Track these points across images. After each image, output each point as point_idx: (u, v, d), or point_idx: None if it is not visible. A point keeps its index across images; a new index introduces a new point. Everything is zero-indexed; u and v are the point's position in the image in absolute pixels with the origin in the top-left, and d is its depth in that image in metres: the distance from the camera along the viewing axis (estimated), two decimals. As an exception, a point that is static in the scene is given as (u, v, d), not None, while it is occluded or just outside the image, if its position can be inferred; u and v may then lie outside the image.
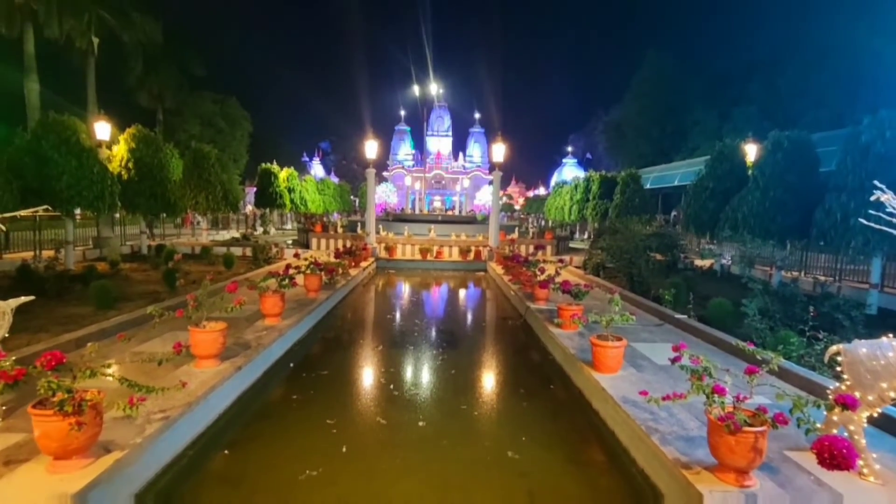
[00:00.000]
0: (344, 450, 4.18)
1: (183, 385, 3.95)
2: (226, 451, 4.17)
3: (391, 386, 5.71)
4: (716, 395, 3.18)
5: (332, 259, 11.02)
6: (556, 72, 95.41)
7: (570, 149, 60.36)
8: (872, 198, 3.59)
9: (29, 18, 22.09)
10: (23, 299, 4.25)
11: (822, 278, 11.86)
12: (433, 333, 8.37)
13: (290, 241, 21.02)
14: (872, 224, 3.65)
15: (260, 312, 7.12)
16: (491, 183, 21.00)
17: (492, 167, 18.00)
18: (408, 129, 60.64)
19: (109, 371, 3.34)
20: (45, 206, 4.71)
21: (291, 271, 7.71)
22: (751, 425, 3.07)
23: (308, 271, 8.89)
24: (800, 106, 30.81)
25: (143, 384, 3.60)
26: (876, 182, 3.64)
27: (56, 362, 3.05)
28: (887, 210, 3.63)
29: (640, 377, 5.21)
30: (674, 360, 3.69)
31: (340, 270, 10.95)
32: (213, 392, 4.59)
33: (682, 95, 40.54)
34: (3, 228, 4.44)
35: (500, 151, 16.75)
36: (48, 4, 21.96)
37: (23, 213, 4.79)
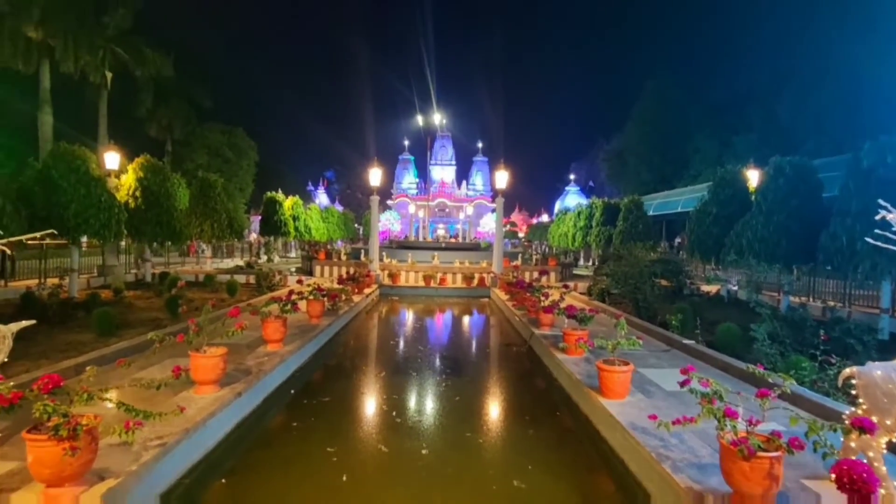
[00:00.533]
0: (345, 479, 4.06)
1: (181, 410, 3.88)
2: (223, 480, 4.06)
3: (394, 413, 5.60)
4: (727, 419, 3.09)
5: (336, 285, 10.98)
6: (558, 101, 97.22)
7: (572, 177, 60.91)
8: (878, 217, 3.57)
9: (46, 55, 22.88)
10: (24, 323, 4.23)
11: (832, 303, 11.71)
12: (437, 360, 8.26)
13: (293, 269, 21.02)
14: (879, 243, 3.61)
15: (261, 339, 7.06)
16: (494, 210, 21.10)
17: (495, 194, 18.12)
18: (411, 158, 61.50)
19: (107, 395, 3.29)
20: (50, 231, 4.75)
21: (294, 296, 7.67)
22: (765, 450, 2.97)
23: (311, 297, 8.85)
24: (800, 134, 31.13)
25: (141, 409, 3.53)
26: (880, 201, 3.62)
27: (53, 385, 3.00)
28: (894, 229, 3.60)
29: (650, 403, 5.08)
30: (683, 384, 3.60)
31: (343, 296, 10.90)
32: (212, 418, 4.50)
33: (682, 123, 41.10)
34: (9, 252, 4.47)
35: (502, 178, 16.90)
36: (65, 41, 22.78)
37: (28, 237, 4.83)
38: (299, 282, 10.80)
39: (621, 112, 49.07)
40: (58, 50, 22.73)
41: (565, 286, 10.45)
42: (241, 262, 22.95)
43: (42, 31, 22.18)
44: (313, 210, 31.93)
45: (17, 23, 21.40)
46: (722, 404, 3.23)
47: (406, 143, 62.76)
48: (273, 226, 24.35)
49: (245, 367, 5.95)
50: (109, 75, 24.90)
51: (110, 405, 3.42)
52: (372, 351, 9.24)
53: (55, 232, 5.09)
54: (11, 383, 3.42)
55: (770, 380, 3.51)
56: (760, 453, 2.93)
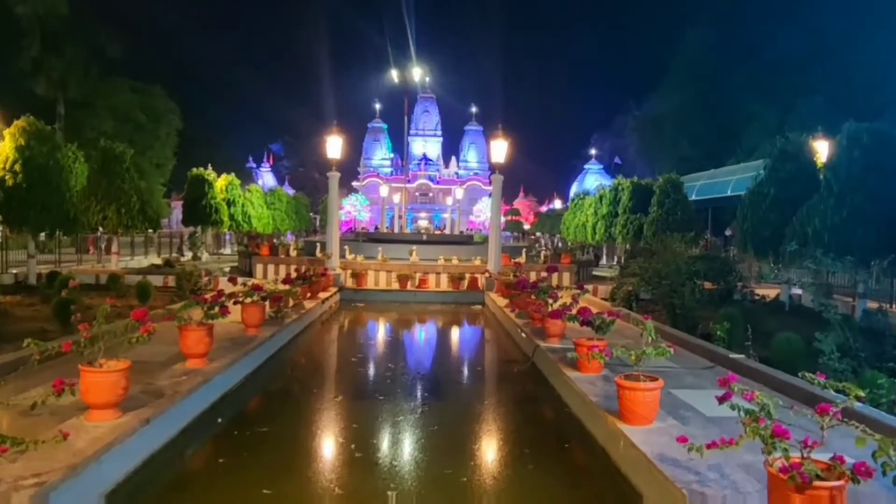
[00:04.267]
0: (284, 528, 4.04)
1: (64, 437, 3.82)
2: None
3: (353, 446, 5.61)
4: (776, 439, 3.13)
5: (281, 286, 10.96)
6: (576, 55, 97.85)
7: (593, 152, 61.59)
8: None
9: None
10: None
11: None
12: (412, 382, 8.35)
13: (227, 269, 20.88)
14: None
15: (179, 354, 7.01)
16: (491, 195, 21.18)
17: (492, 171, 18.18)
18: (384, 126, 61.45)
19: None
20: None
21: (223, 298, 7.62)
22: (823, 479, 3.01)
23: (247, 300, 8.83)
24: (882, 96, 31.69)
25: (9, 436, 3.47)
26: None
27: None
28: None
29: (684, 431, 5.12)
30: (722, 399, 3.64)
31: (291, 301, 10.87)
32: (110, 452, 4.43)
33: (733, 84, 41.55)
34: None
35: (501, 149, 16.96)
36: None
37: None
38: (232, 281, 10.72)
39: (656, 70, 49.68)
40: None
41: (580, 287, 10.54)
42: (157, 261, 22.71)
43: None
44: (254, 192, 31.84)
45: None
46: (770, 422, 3.27)
47: (377, 107, 62.74)
48: (200, 213, 24.20)
49: (156, 388, 5.89)
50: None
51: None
52: (328, 370, 9.33)
53: None
54: None
55: (831, 389, 3.57)
56: (817, 482, 2.98)
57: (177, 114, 40.44)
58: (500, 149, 17.06)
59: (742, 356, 7.80)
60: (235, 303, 8.64)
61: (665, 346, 5.29)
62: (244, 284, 9.68)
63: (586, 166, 60.91)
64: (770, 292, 15.13)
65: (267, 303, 9.40)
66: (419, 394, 7.66)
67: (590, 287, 15.87)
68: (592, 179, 55.02)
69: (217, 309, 7.11)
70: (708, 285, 12.73)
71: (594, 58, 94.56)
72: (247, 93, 72.11)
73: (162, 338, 7.32)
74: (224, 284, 13.41)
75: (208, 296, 8.01)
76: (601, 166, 60.58)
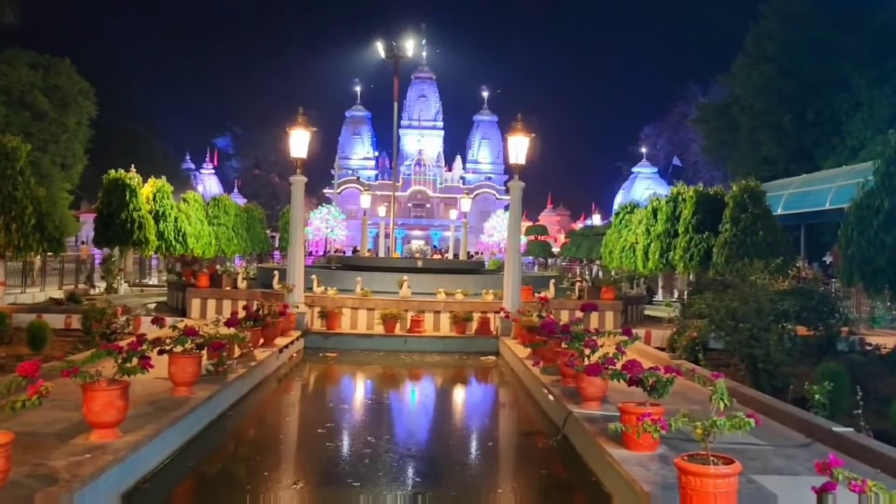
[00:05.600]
0: None
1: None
2: None
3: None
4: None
5: (224, 330, 10.93)
6: (622, 23, 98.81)
7: (644, 151, 61.91)
8: None
9: None
10: None
11: None
12: (399, 462, 8.28)
13: (152, 305, 20.85)
14: None
15: (82, 424, 6.93)
16: (508, 207, 21.18)
17: (510, 175, 18.22)
18: (367, 115, 61.77)
19: None
20: None
21: (145, 346, 7.58)
22: None
23: (177, 348, 8.78)
24: None
25: None
26: None
27: None
28: None
29: (771, 534, 5.05)
30: (821, 491, 3.56)
31: (237, 350, 10.83)
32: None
33: (832, 60, 41.73)
34: None
35: (521, 147, 16.99)
36: None
37: None
38: (158, 322, 10.70)
39: (729, 42, 50.02)
40: None
41: (627, 332, 10.48)
42: (58, 294, 22.73)
43: None
44: (192, 202, 31.95)
45: None
46: (892, 526, 3.18)
47: (358, 89, 63.29)
48: (118, 229, 24.28)
49: (48, 471, 5.80)
50: None
51: None
52: (286, 446, 9.27)
53: None
54: None
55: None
56: None
57: (90, 97, 40.70)
58: (520, 146, 17.10)
59: (850, 429, 7.73)
60: (161, 352, 8.63)
61: (743, 416, 5.18)
62: (174, 327, 9.61)
63: (635, 170, 61.43)
64: (887, 340, 15.01)
65: (204, 352, 9.35)
66: (409, 479, 7.54)
67: (640, 332, 15.74)
68: (643, 187, 55.52)
69: (136, 360, 7.07)
70: (802, 331, 12.68)
71: (646, 26, 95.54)
72: (184, 71, 73.04)
73: (60, 400, 7.28)
74: (147, 327, 13.38)
75: (124, 343, 7.97)
76: (655, 170, 61.04)
